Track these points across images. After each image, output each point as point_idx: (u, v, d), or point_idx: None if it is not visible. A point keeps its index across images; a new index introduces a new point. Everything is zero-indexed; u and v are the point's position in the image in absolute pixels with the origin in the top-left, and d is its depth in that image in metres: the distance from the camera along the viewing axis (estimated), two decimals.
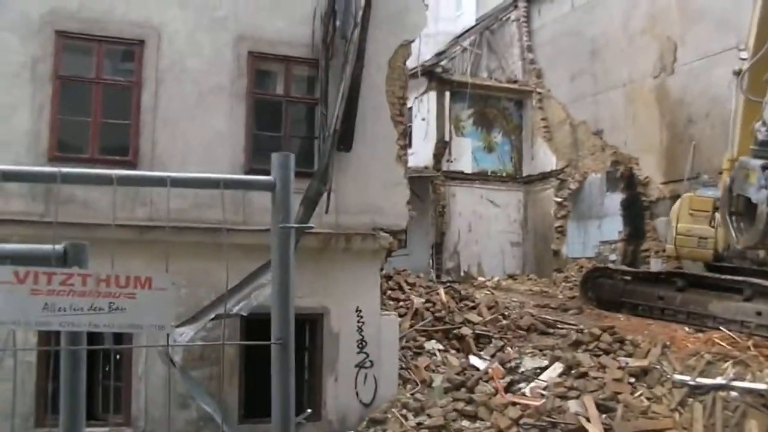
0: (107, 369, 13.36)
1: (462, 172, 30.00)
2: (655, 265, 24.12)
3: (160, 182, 2.96)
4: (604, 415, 13.97)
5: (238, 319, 13.23)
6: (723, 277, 18.39)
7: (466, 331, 17.76)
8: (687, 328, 18.14)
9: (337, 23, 14.65)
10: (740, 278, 17.91)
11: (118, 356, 13.33)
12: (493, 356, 16.77)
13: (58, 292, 2.77)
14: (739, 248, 16.76)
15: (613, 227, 27.64)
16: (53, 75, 13.41)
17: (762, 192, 14.31)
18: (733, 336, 16.93)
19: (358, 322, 14.98)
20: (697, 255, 20.68)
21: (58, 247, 2.94)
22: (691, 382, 14.83)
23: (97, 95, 13.75)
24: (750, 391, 14.33)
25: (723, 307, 18.04)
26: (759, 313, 17.23)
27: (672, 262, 23.40)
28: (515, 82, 31.88)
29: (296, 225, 3.01)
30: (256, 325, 12.99)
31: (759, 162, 14.55)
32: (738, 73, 16.71)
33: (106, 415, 13.48)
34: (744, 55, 17.45)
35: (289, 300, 3.02)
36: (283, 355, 2.97)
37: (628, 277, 21.15)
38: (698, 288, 19.03)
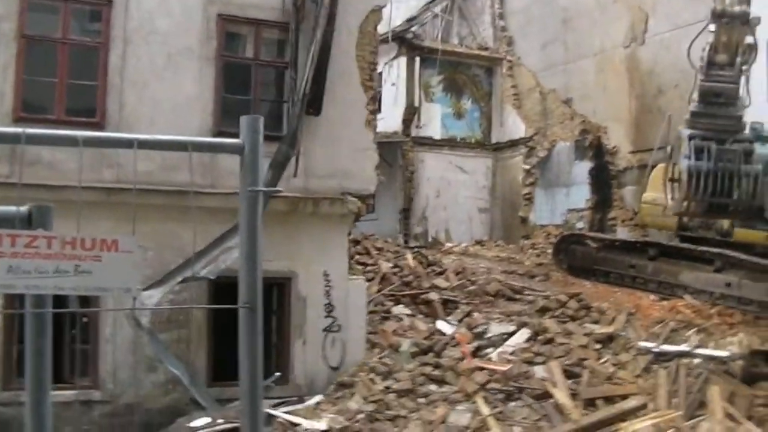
0: (74, 332, 13.28)
1: (431, 138, 29.95)
2: (622, 234, 24.28)
3: (127, 144, 2.92)
4: (570, 381, 14.11)
5: (205, 282, 13.20)
6: (695, 248, 18.52)
7: (433, 296, 17.82)
8: (652, 296, 18.31)
9: None
10: (713, 249, 18.03)
11: (85, 319, 13.25)
12: (460, 321, 16.85)
13: (23, 255, 2.73)
14: (671, 214, 17.30)
15: (581, 195, 27.74)
16: (18, 34, 13.18)
17: (684, 161, 14.66)
18: (697, 304, 17.14)
19: (326, 286, 14.99)
20: (661, 224, 20.78)
21: (23, 208, 2.90)
22: (656, 349, 14.99)
23: (64, 55, 13.56)
24: (712, 358, 14.53)
25: (693, 277, 18.20)
26: (728, 284, 17.40)
27: (638, 231, 23.60)
28: (486, 49, 31.77)
29: (265, 189, 2.99)
30: (224, 288, 12.99)
31: (688, 132, 14.98)
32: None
33: (73, 379, 13.42)
34: (713, 27, 17.67)
35: (257, 263, 3.00)
36: (251, 319, 2.96)
37: (600, 245, 21.27)
38: (670, 258, 19.17)
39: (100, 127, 13.48)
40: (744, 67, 15.34)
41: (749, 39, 15.09)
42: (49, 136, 3.12)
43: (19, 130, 2.78)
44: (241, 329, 2.97)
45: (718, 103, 15.78)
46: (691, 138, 15.81)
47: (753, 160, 15.22)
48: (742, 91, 15.51)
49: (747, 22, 14.94)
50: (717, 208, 16.07)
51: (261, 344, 3.01)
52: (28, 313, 2.85)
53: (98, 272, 2.80)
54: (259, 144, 3.03)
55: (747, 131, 15.69)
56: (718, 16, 15.03)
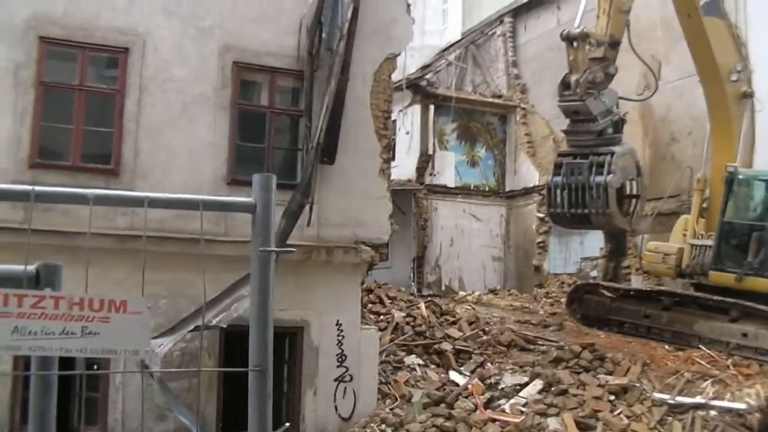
0: (87, 376, 13.18)
1: (445, 186, 29.98)
2: (636, 282, 24.12)
3: (137, 203, 2.88)
4: None
5: (217, 330, 13.13)
6: (710, 297, 18.41)
7: (446, 346, 17.70)
8: (667, 347, 18.14)
9: (323, 35, 14.61)
10: (729, 299, 17.92)
11: (96, 366, 13.19)
12: (473, 372, 16.72)
13: (29, 315, 2.68)
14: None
15: (595, 243, 27.62)
16: (36, 81, 13.28)
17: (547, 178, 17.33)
18: (713, 355, 16.96)
19: (338, 335, 14.90)
20: (661, 270, 20.93)
21: (30, 267, 2.85)
22: (671, 401, 14.83)
23: (80, 102, 13.63)
24: (729, 410, 14.36)
25: (709, 327, 18.03)
26: (745, 335, 17.24)
27: (653, 280, 23.48)
28: (500, 96, 31.90)
29: (277, 249, 2.94)
30: (235, 336, 12.90)
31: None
32: None
33: (81, 427, 13.33)
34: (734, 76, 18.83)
35: (268, 325, 2.95)
36: (261, 382, 2.90)
37: (614, 294, 21.15)
38: (685, 307, 19.04)
39: (114, 174, 13.53)
40: (590, 86, 17.10)
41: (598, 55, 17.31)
42: (59, 195, 3.07)
43: (28, 188, 2.74)
44: (251, 392, 2.91)
45: (579, 120, 17.51)
46: (559, 156, 17.98)
47: (605, 171, 16.60)
48: (599, 108, 17.29)
49: (586, 39, 17.17)
50: (576, 219, 17.65)
51: (270, 408, 2.95)
52: (33, 375, 2.80)
53: (106, 334, 2.75)
54: (272, 203, 2.99)
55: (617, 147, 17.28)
56: (565, 39, 17.39)
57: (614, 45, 17.97)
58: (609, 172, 16.95)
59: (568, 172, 17.48)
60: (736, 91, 20.19)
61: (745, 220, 19.34)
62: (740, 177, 18.92)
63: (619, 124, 18.25)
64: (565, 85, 17.56)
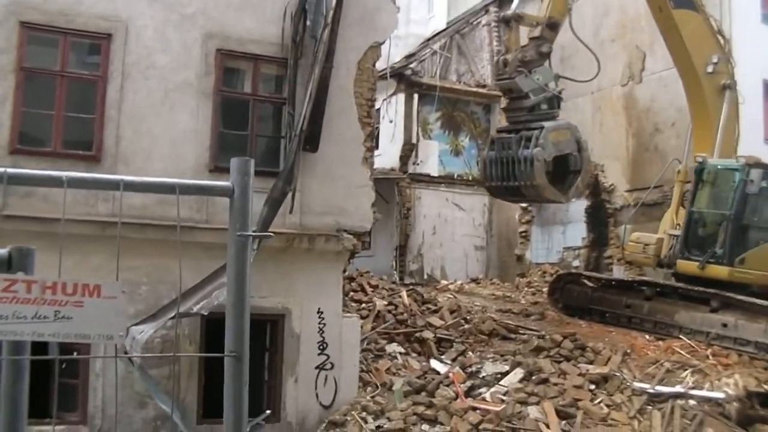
0: (63, 366, 13.14)
1: (428, 175, 29.97)
2: (618, 273, 24.24)
3: (113, 186, 2.85)
4: (563, 422, 14.03)
5: (198, 317, 13.09)
6: (691, 287, 18.52)
7: (427, 334, 17.72)
8: (648, 336, 18.23)
9: (308, 23, 14.55)
10: (709, 290, 18.05)
11: (75, 353, 13.13)
12: (454, 360, 16.74)
13: (0, 299, 2.66)
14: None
15: (577, 233, 27.74)
16: (17, 67, 13.17)
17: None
18: (693, 345, 17.05)
19: (320, 323, 14.88)
20: (642, 260, 21.20)
21: (2, 251, 2.82)
22: (651, 390, 14.92)
23: (62, 88, 13.54)
24: (708, 399, 14.46)
25: (689, 317, 18.14)
26: (725, 325, 17.36)
27: (634, 270, 23.58)
28: (484, 86, 31.86)
29: (254, 234, 2.91)
30: (216, 324, 12.86)
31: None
32: None
33: (61, 413, 13.27)
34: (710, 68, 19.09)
35: (245, 310, 2.92)
36: (237, 368, 2.87)
37: (596, 284, 21.24)
38: (665, 297, 19.14)
39: (96, 160, 13.45)
40: (520, 65, 18.06)
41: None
42: (33, 177, 3.02)
43: (1, 170, 2.70)
44: (227, 378, 2.89)
45: (513, 98, 18.62)
46: (498, 131, 19.04)
47: (531, 144, 17.40)
48: (530, 86, 18.15)
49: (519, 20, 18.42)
50: (508, 191, 18.61)
51: (246, 393, 2.93)
52: (3, 360, 2.77)
53: (80, 318, 2.72)
54: (249, 187, 2.96)
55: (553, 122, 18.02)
56: (501, 21, 19.71)
57: (553, 26, 18.78)
58: (536, 146, 17.45)
59: (500, 146, 18.24)
60: (715, 84, 20.29)
61: (712, 209, 19.60)
62: (707, 167, 19.22)
63: (554, 101, 18.78)
64: (500, 64, 18.61)
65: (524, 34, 18.94)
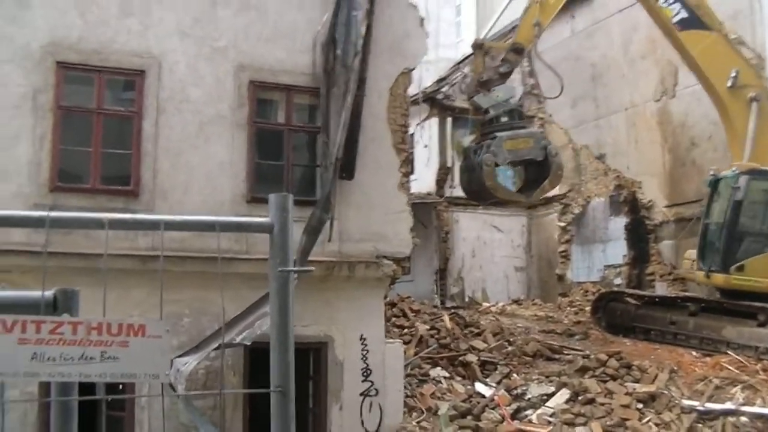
0: (110, 400, 13.19)
1: (465, 198, 29.85)
2: (660, 289, 24.00)
3: (153, 226, 2.87)
4: None
5: (241, 348, 13.11)
6: (737, 302, 18.32)
7: (471, 357, 17.65)
8: (694, 353, 18.00)
9: (338, 52, 14.61)
10: (756, 303, 17.83)
11: (121, 386, 13.19)
12: (499, 383, 16.64)
13: (48, 341, 2.66)
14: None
15: (618, 251, 27.53)
16: (54, 105, 13.36)
17: None
18: (742, 360, 16.80)
19: (363, 350, 14.85)
20: (691, 276, 21.14)
21: (48, 293, 2.83)
22: (700, 408, 14.70)
23: (98, 125, 13.70)
24: (760, 416, 14.20)
25: (737, 332, 17.91)
26: None
27: (677, 286, 23.36)
28: None
29: (295, 269, 2.91)
30: (260, 353, 12.88)
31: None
32: None
33: None
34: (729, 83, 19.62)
35: (289, 345, 2.91)
36: (283, 403, 2.86)
37: (639, 302, 21.07)
38: (711, 313, 18.95)
39: (134, 195, 13.58)
40: (479, 86, 19.97)
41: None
42: (75, 220, 3.05)
43: (44, 214, 2.72)
44: (273, 414, 2.88)
45: (477, 114, 20.35)
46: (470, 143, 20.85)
47: (483, 152, 18.92)
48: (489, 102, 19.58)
49: (481, 47, 20.39)
50: (475, 194, 20.35)
51: (293, 427, 2.91)
52: (53, 401, 2.78)
53: (125, 358, 2.73)
54: (289, 222, 2.95)
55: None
56: (472, 47, 20.99)
57: (518, 51, 20.21)
58: (486, 152, 18.74)
59: (468, 156, 19.95)
60: (741, 97, 20.18)
61: (719, 219, 19.61)
62: (718, 179, 19.42)
63: (514, 113, 20.09)
64: (480, 84, 20.15)
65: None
